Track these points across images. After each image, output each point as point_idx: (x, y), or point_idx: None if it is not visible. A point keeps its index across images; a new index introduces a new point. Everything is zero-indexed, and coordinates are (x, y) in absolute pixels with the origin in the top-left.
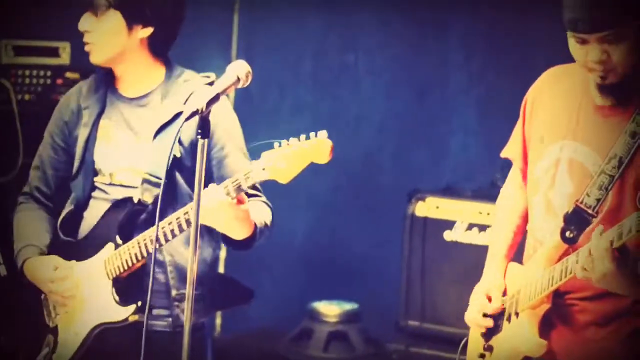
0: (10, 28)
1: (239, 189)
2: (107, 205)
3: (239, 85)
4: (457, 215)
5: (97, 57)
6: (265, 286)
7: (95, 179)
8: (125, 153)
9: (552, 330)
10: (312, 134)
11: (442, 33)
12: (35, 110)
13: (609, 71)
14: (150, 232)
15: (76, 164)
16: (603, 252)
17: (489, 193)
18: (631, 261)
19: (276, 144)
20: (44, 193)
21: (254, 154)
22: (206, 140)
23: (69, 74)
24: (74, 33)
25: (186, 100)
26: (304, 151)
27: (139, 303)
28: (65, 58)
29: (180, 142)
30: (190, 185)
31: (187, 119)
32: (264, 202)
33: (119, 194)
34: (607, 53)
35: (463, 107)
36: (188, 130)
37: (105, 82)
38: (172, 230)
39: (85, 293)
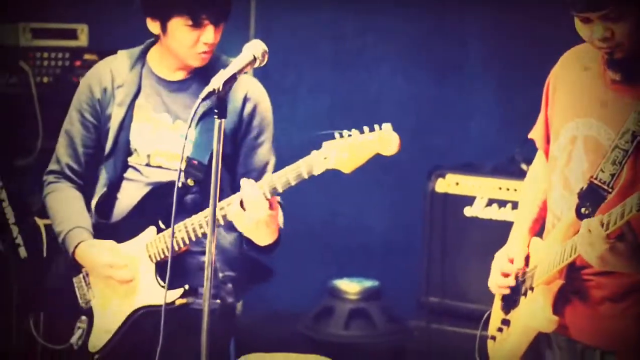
0: (28, 10)
1: (274, 190)
2: (142, 187)
3: (256, 65)
4: (477, 191)
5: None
6: (286, 266)
7: (129, 159)
8: (164, 135)
9: (567, 305)
10: (376, 126)
11: (459, 15)
12: (54, 92)
13: (615, 47)
14: (197, 218)
15: (110, 143)
16: (596, 238)
17: (508, 169)
18: (632, 239)
19: (337, 134)
20: (75, 171)
21: (314, 144)
22: (223, 120)
23: (87, 56)
24: (92, 14)
25: None
26: (369, 142)
27: (186, 287)
28: (83, 40)
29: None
30: (229, 171)
31: (205, 99)
32: (280, 202)
33: (155, 176)
34: (610, 30)
35: (481, 86)
36: (229, 116)
37: (140, 61)
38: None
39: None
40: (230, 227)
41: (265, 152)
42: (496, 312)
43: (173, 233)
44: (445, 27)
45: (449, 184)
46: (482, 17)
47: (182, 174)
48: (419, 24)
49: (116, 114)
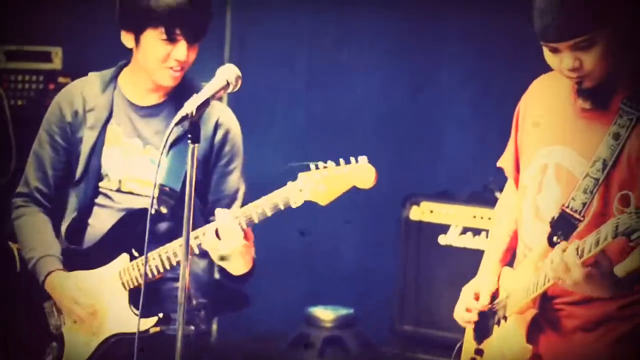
0: (2, 33)
1: (250, 221)
2: (114, 214)
3: (229, 90)
4: (451, 220)
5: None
6: (262, 291)
7: (100, 184)
8: (135, 161)
9: (540, 334)
10: (352, 158)
11: (437, 31)
12: (28, 115)
13: (584, 77)
14: (172, 246)
15: (80, 168)
16: (571, 265)
17: (482, 197)
18: (607, 265)
19: (312, 166)
20: (44, 194)
21: (290, 175)
22: (196, 145)
23: (61, 79)
24: (66, 38)
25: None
26: (345, 175)
27: (161, 315)
28: (57, 63)
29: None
30: (200, 198)
31: (177, 123)
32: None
33: (127, 202)
34: (579, 60)
35: (457, 110)
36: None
37: (112, 84)
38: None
39: (98, 304)
40: (202, 253)
41: (235, 179)
42: (469, 342)
43: (146, 261)
44: (422, 44)
45: (423, 211)
46: (458, 36)
47: (155, 201)
48: (395, 39)
49: (87, 138)
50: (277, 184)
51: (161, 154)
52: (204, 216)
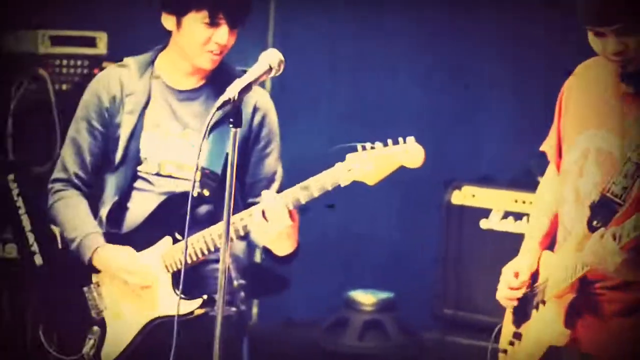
0: (47, 18)
1: (297, 202)
2: (153, 197)
3: (272, 74)
4: (493, 204)
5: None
6: (302, 276)
7: (139, 168)
8: (174, 144)
9: (578, 319)
10: (400, 139)
11: (477, 23)
12: (72, 100)
13: (628, 61)
14: (216, 228)
15: (120, 152)
16: (609, 251)
17: (524, 182)
18: None
19: (359, 147)
20: (82, 179)
21: (337, 157)
22: (238, 129)
23: (105, 64)
24: (111, 23)
25: None
26: (393, 155)
27: (205, 297)
28: (102, 48)
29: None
30: (238, 180)
31: (219, 108)
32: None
33: (167, 186)
34: (624, 44)
35: (499, 97)
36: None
37: (149, 69)
38: (235, 231)
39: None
40: (243, 236)
41: (272, 162)
42: (508, 326)
43: (187, 245)
44: (464, 36)
45: (465, 196)
46: (499, 27)
47: (197, 184)
48: (437, 32)
49: (126, 123)
50: (322, 167)
51: (203, 138)
52: (242, 199)
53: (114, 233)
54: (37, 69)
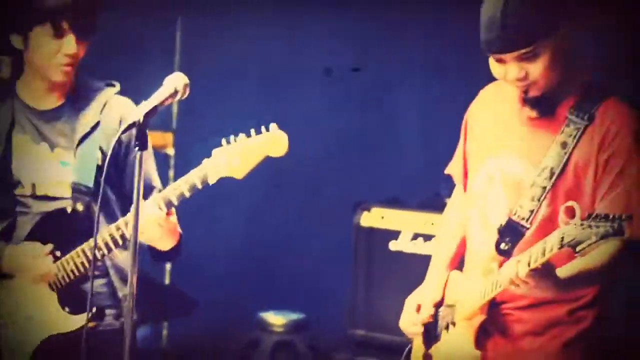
0: None
1: (169, 203)
2: (33, 219)
3: (177, 97)
4: (402, 225)
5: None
6: (212, 297)
7: (15, 192)
8: (45, 165)
9: (489, 340)
10: (262, 128)
11: (390, 42)
12: None
13: (529, 86)
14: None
15: None
16: (523, 277)
17: (433, 203)
18: (552, 270)
19: (224, 141)
20: None
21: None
22: (143, 152)
23: None
24: None
25: (102, 109)
26: (258, 145)
27: (94, 309)
28: None
29: (101, 150)
30: (116, 192)
31: (124, 131)
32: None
33: (43, 206)
34: (524, 70)
35: (407, 119)
36: (107, 138)
37: (9, 92)
38: (113, 240)
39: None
40: (120, 245)
41: (148, 170)
42: (417, 347)
43: (95, 253)
44: (375, 56)
45: (374, 217)
46: (410, 49)
47: (72, 200)
48: (348, 49)
49: None
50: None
51: (107, 159)
52: (121, 210)
53: None
54: None
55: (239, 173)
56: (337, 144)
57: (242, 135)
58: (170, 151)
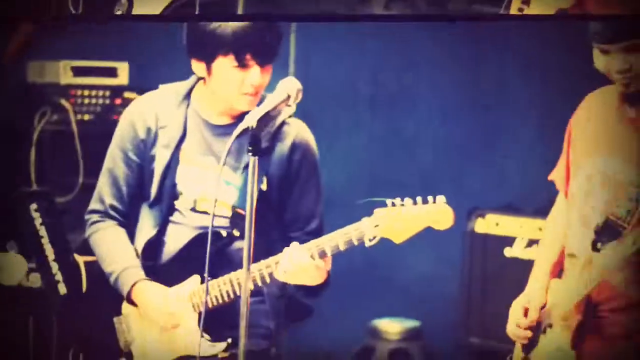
0: (69, 48)
1: (322, 252)
2: (188, 231)
3: (290, 103)
4: (516, 232)
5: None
6: (326, 305)
7: (176, 202)
8: (211, 181)
9: (585, 341)
10: (429, 198)
11: (500, 54)
12: (94, 130)
13: (632, 79)
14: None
15: (155, 187)
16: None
17: (549, 210)
18: None
19: (389, 202)
20: (119, 210)
21: (365, 210)
22: (257, 158)
23: (127, 94)
24: (133, 52)
25: (275, 132)
26: (423, 215)
27: (229, 340)
28: (123, 78)
29: (266, 175)
30: (278, 217)
31: (238, 136)
32: None
33: (201, 221)
34: (629, 62)
35: (521, 126)
36: (276, 164)
37: (186, 100)
38: (262, 277)
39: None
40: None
41: (313, 198)
42: (517, 354)
43: (207, 288)
44: (486, 67)
45: (489, 224)
46: (522, 58)
47: (229, 223)
48: (459, 63)
49: (161, 157)
50: (340, 200)
51: (222, 165)
52: (281, 235)
53: (149, 265)
54: (59, 99)
55: (399, 238)
56: (448, 154)
57: (408, 201)
58: None
